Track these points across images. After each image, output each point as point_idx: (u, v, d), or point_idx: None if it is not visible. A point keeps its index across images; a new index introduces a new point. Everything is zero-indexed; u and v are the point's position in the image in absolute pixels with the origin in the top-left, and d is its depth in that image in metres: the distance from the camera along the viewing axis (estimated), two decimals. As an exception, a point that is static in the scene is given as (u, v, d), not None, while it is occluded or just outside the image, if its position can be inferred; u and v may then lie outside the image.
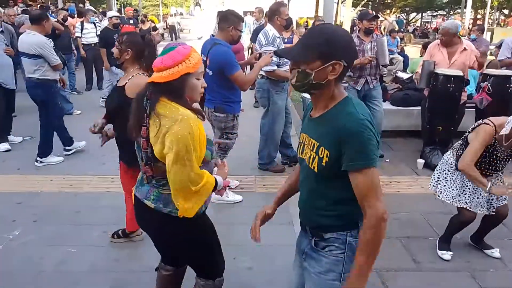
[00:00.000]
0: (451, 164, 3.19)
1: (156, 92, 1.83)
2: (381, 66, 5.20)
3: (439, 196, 3.23)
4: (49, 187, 4.31)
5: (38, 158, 4.88)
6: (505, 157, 3.01)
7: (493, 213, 3.11)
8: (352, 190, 1.49)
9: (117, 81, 3.11)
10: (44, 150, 4.89)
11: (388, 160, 5.22)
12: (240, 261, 3.07)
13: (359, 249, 1.50)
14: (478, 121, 3.06)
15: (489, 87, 4.77)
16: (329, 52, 1.46)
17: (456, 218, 3.23)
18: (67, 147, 5.20)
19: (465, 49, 4.93)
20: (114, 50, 2.82)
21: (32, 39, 4.66)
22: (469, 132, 3.07)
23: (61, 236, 3.40)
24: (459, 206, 3.13)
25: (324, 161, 1.50)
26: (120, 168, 3.18)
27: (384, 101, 5.70)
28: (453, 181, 3.15)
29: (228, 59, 3.66)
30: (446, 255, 3.23)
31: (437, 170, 3.33)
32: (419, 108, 5.60)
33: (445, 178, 3.21)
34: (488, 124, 2.93)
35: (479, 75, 5.93)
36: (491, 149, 2.96)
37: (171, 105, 1.82)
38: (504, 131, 2.83)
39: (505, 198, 3.11)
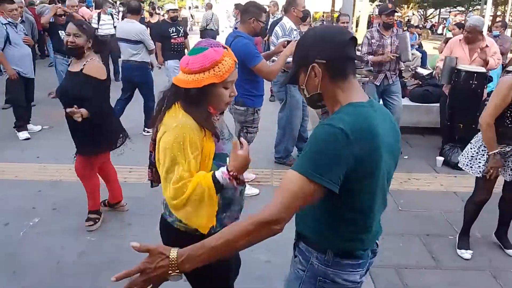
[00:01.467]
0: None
1: (173, 96, 1.65)
2: (400, 62, 5.14)
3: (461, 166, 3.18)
4: (68, 176, 4.34)
5: (146, 128, 5.67)
6: None
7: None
8: (332, 212, 1.35)
9: (68, 65, 3.31)
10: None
11: (406, 157, 5.16)
12: (257, 254, 3.06)
13: (225, 229, 1.25)
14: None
15: (513, 84, 4.63)
16: (301, 58, 1.36)
17: (470, 200, 3.16)
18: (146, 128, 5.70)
19: (487, 46, 4.82)
20: (78, 39, 3.01)
21: (134, 26, 5.38)
22: None
23: (81, 225, 3.42)
24: (476, 174, 3.05)
25: None
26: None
27: (403, 97, 5.62)
28: (472, 146, 3.14)
29: (249, 50, 3.63)
30: (466, 254, 3.18)
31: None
32: (439, 104, 5.52)
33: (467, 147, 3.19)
34: (508, 75, 2.74)
35: (501, 72, 5.81)
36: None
37: (179, 111, 1.62)
38: None
39: None
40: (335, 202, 1.31)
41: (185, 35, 6.81)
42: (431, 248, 3.29)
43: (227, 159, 1.63)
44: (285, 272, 2.84)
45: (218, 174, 1.56)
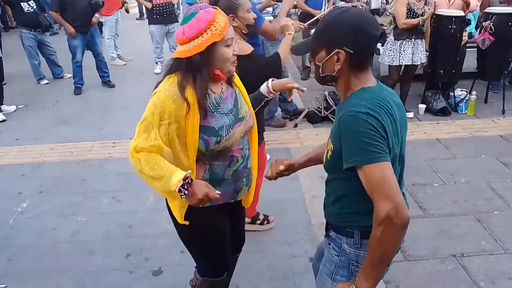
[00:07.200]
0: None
1: (174, 67, 1.63)
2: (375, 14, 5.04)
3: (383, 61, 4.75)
4: (51, 157, 4.27)
5: None
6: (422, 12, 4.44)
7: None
8: (352, 192, 1.40)
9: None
10: None
11: (388, 107, 5.19)
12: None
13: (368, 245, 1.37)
14: None
15: (491, 26, 4.62)
16: (329, 39, 1.35)
17: (387, 81, 4.64)
18: None
19: None
20: None
21: None
22: None
23: (70, 206, 3.40)
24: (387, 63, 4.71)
25: (328, 154, 1.43)
26: None
27: (382, 45, 5.55)
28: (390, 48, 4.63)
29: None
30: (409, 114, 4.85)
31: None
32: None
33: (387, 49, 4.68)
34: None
35: (478, 13, 5.76)
36: (409, 11, 4.40)
37: (173, 79, 1.61)
38: None
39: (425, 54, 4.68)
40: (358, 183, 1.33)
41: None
42: (417, 197, 3.39)
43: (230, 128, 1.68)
44: (278, 235, 2.94)
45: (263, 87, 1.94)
